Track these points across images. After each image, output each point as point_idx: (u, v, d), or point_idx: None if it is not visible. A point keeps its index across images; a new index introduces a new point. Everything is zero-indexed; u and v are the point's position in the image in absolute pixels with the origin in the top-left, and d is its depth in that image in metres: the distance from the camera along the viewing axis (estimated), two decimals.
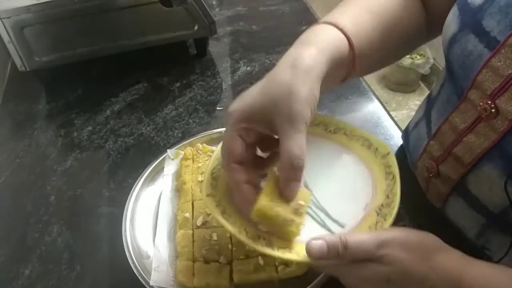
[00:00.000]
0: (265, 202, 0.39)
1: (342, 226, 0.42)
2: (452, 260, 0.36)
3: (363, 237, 0.36)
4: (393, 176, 0.44)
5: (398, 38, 0.50)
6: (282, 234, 0.40)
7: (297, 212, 0.40)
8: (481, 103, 0.41)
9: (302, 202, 0.40)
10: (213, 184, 0.44)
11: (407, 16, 0.50)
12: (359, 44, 0.44)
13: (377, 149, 0.48)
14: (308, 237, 0.38)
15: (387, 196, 0.44)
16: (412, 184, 0.57)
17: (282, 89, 0.37)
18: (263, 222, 0.41)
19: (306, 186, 0.46)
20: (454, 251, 0.37)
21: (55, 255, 0.54)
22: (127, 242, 0.51)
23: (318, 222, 0.43)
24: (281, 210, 0.39)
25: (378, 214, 0.42)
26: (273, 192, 0.40)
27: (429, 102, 0.55)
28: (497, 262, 0.45)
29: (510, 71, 0.38)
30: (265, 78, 0.40)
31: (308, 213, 0.43)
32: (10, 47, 0.72)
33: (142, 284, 0.46)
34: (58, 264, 0.53)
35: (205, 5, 0.77)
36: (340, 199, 0.45)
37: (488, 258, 0.47)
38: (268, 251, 0.39)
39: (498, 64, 0.39)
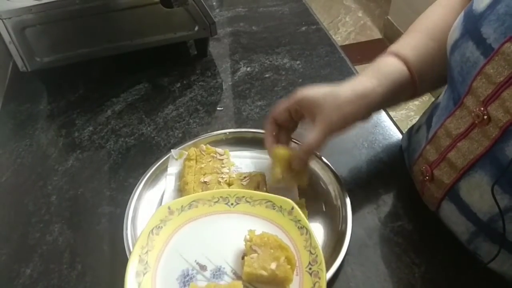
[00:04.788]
0: None
1: None
2: None
3: None
4: (306, 230, 0.46)
5: None
6: None
7: None
8: (474, 110, 0.42)
9: None
10: None
11: None
12: (420, 70, 0.53)
13: (281, 206, 0.49)
14: None
15: (310, 252, 0.44)
16: (411, 185, 0.57)
17: (335, 101, 0.50)
18: None
19: (235, 273, 0.45)
20: None
21: (56, 254, 0.54)
22: (128, 242, 0.51)
23: None
24: None
25: (311, 274, 0.43)
26: None
27: (433, 108, 0.56)
28: (486, 265, 0.45)
29: (501, 79, 0.38)
30: (332, 86, 0.51)
31: None
32: (12, 48, 0.73)
33: None
34: (59, 263, 0.53)
35: (206, 6, 0.78)
36: None
37: (480, 262, 0.47)
38: None
39: (491, 71, 0.39)
